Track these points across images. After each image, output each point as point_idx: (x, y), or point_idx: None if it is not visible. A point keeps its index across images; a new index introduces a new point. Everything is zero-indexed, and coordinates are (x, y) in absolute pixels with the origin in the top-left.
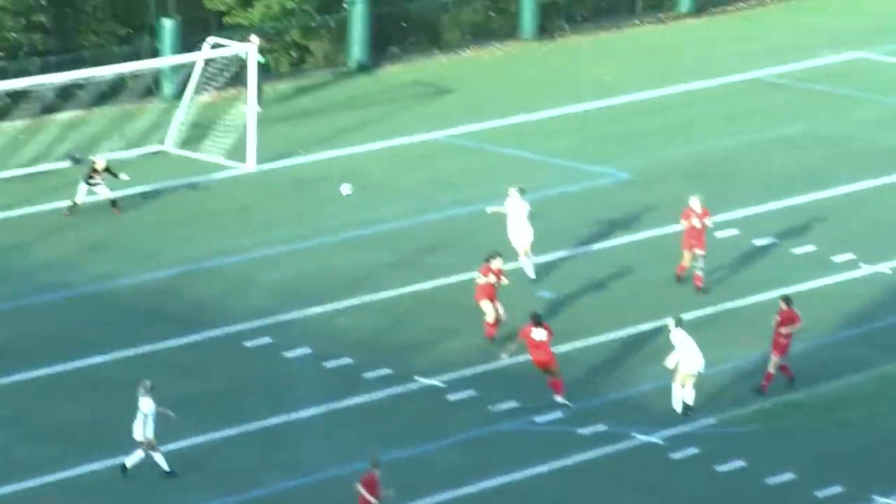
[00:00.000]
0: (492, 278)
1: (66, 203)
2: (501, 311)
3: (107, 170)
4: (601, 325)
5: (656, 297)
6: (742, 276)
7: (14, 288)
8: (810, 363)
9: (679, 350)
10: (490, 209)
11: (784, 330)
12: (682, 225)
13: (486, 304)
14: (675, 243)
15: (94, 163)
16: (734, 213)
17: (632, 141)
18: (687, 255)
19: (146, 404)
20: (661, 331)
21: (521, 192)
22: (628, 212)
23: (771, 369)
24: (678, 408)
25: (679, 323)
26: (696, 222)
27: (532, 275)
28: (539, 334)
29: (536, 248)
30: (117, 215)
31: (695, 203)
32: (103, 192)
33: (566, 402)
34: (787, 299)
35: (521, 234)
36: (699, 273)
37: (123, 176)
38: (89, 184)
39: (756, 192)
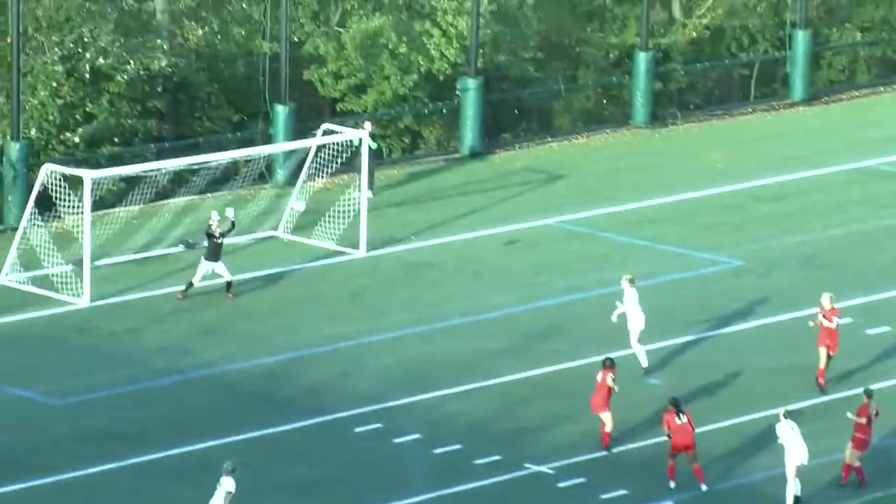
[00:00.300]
0: (616, 386)
1: (181, 287)
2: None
3: (222, 234)
4: (711, 412)
5: (767, 386)
6: (856, 366)
7: (128, 372)
8: None
9: (783, 441)
10: (615, 313)
11: (851, 415)
12: (811, 325)
13: (606, 416)
14: (788, 331)
15: (209, 226)
16: (848, 302)
17: (744, 228)
18: (822, 353)
19: (229, 483)
20: (772, 420)
21: (632, 281)
22: (741, 299)
23: (857, 463)
24: (789, 502)
25: (787, 415)
26: (825, 322)
27: (645, 363)
28: (682, 419)
29: (650, 334)
30: (230, 300)
31: (825, 301)
32: (223, 273)
33: (706, 487)
34: (867, 393)
35: (634, 322)
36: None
37: (229, 211)
38: (211, 239)
39: (870, 281)
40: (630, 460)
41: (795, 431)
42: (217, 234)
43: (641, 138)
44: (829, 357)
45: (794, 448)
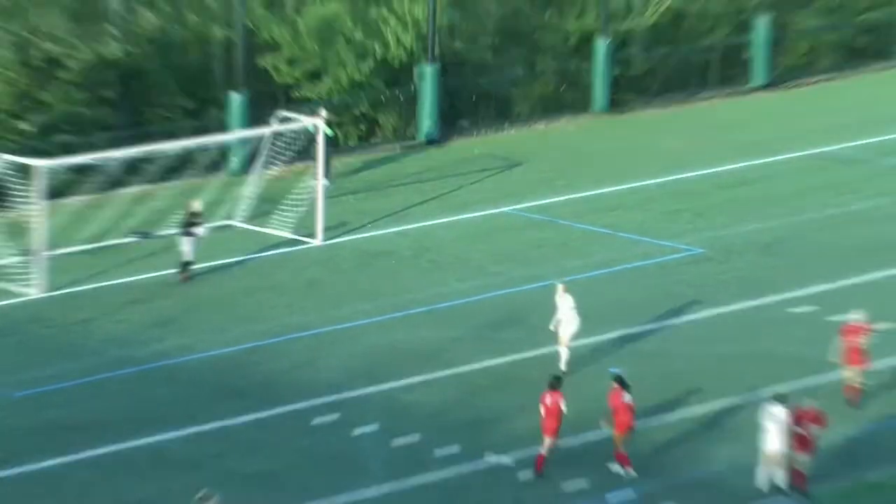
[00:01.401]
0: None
1: (136, 277)
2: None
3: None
4: (673, 401)
5: (730, 374)
6: (817, 353)
7: (82, 364)
8: (891, 443)
9: (764, 424)
10: (553, 326)
11: (796, 428)
12: (839, 342)
13: (549, 441)
14: (749, 318)
15: (191, 207)
16: (809, 289)
17: (705, 215)
18: (849, 372)
19: None
20: (735, 408)
21: (566, 289)
22: (701, 287)
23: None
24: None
25: (776, 399)
26: (854, 339)
27: (564, 367)
28: (628, 398)
29: (610, 323)
30: (183, 283)
31: (854, 318)
32: (198, 232)
33: (634, 474)
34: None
35: (568, 325)
36: (858, 386)
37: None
38: (189, 232)
39: (831, 267)
40: (590, 451)
41: (772, 420)
42: (197, 212)
43: (601, 125)
44: (860, 372)
45: (769, 434)
